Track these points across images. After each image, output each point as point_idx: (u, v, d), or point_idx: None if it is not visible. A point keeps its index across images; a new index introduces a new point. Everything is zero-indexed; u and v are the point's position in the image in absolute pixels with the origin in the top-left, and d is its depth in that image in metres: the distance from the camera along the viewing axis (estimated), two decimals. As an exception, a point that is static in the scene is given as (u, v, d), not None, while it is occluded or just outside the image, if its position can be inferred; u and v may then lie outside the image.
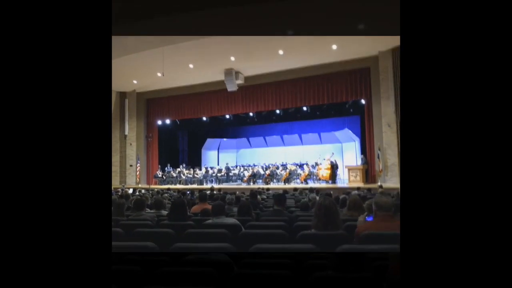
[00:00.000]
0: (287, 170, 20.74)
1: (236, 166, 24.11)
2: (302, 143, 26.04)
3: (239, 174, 22.31)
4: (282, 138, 26.77)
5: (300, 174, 20.50)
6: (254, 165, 23.80)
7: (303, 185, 17.59)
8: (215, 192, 11.64)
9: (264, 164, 24.19)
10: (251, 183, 20.75)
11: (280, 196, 5.66)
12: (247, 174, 21.55)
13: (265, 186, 17.25)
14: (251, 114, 22.17)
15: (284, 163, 23.69)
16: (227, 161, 25.11)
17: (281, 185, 19.34)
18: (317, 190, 11.26)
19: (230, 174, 22.36)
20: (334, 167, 19.18)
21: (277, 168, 21.76)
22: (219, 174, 22.20)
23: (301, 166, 22.10)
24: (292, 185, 18.64)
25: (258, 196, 9.31)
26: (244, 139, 28.03)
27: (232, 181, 21.92)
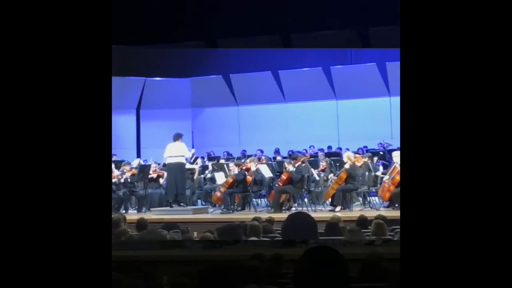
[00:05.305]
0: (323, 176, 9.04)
1: (195, 159, 10.47)
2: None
3: (200, 181, 9.97)
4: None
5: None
6: (244, 155, 10.95)
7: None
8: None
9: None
10: (234, 206, 8.81)
11: None
12: (220, 179, 9.24)
13: (274, 215, 7.39)
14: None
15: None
16: (166, 142, 9.25)
17: (321, 212, 8.29)
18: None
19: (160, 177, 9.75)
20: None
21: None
22: (138, 184, 9.70)
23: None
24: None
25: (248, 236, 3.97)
26: (216, 79, 12.91)
27: (178, 202, 8.85)
